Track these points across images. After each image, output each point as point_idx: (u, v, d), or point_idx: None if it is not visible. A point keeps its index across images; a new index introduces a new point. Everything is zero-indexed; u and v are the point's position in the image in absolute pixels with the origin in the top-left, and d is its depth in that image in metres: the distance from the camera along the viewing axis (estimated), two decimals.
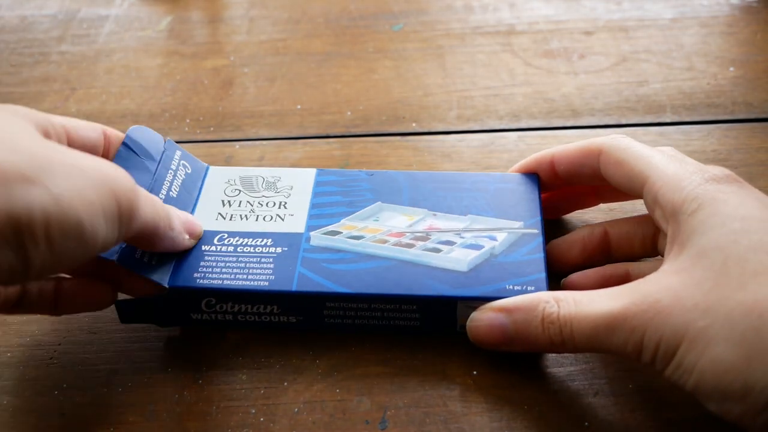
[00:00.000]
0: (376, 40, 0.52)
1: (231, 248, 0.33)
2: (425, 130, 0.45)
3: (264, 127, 0.45)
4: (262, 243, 0.33)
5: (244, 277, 0.32)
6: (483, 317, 0.30)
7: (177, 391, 0.31)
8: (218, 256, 0.33)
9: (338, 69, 0.50)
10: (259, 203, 0.35)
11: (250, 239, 0.34)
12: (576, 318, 0.28)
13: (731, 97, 0.46)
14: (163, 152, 0.35)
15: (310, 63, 0.50)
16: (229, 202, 0.35)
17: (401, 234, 0.34)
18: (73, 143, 0.30)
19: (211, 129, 0.45)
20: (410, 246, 0.33)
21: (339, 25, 0.54)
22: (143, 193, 0.28)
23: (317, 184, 0.36)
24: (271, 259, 0.33)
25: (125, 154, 0.33)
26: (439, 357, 0.32)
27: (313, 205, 0.35)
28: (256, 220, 0.34)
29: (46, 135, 0.28)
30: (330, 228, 0.34)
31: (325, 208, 0.35)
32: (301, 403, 0.31)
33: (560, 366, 0.32)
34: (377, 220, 0.34)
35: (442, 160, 0.42)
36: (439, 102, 0.47)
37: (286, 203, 0.35)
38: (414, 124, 0.45)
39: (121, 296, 0.33)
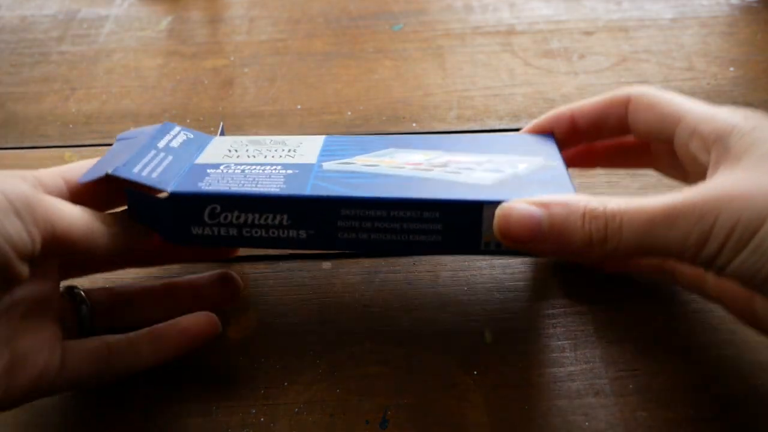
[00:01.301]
0: (376, 40, 0.52)
1: (239, 170, 0.31)
2: (425, 130, 0.45)
3: (264, 127, 0.45)
4: (272, 167, 0.31)
5: (253, 185, 0.29)
6: (516, 206, 0.27)
7: (177, 391, 0.31)
8: (223, 172, 0.31)
9: (338, 69, 0.50)
10: (267, 150, 0.33)
11: (259, 166, 0.31)
12: (627, 212, 0.26)
13: (731, 97, 0.46)
14: (160, 128, 0.33)
15: (310, 63, 0.50)
16: (236, 150, 0.33)
17: (419, 164, 0.31)
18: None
19: (212, 129, 0.45)
20: (429, 170, 0.31)
21: (339, 25, 0.54)
22: (50, 198, 0.26)
23: (326, 142, 0.34)
24: (281, 175, 0.30)
25: (116, 147, 0.32)
26: (440, 357, 0.32)
27: (324, 152, 0.33)
28: (264, 157, 0.32)
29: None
30: (344, 161, 0.32)
31: (336, 153, 0.33)
32: (301, 403, 0.31)
33: (560, 366, 0.32)
34: (393, 157, 0.32)
35: None
36: (439, 102, 0.47)
37: (295, 150, 0.33)
38: (414, 124, 0.45)
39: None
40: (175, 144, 0.33)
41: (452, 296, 0.35)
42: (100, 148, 0.44)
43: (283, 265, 0.36)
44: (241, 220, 0.29)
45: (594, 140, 0.35)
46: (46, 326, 0.28)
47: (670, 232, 0.25)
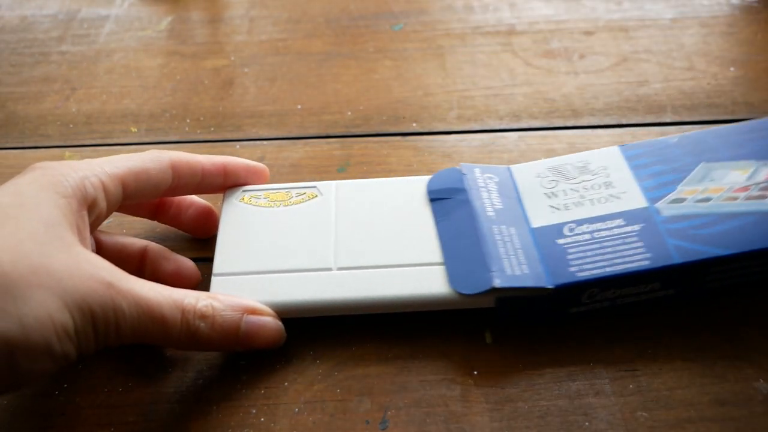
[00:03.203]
0: (376, 40, 0.52)
1: (587, 236, 0.32)
2: (425, 130, 0.45)
3: (264, 127, 0.45)
4: (615, 224, 0.33)
5: (621, 261, 0.31)
6: None
7: (177, 391, 0.31)
8: (579, 246, 0.32)
9: (338, 69, 0.50)
10: (584, 188, 0.35)
11: (600, 223, 0.33)
12: None
13: (731, 97, 0.46)
14: (464, 177, 0.35)
15: (310, 63, 0.50)
16: (553, 193, 0.35)
17: (746, 188, 0.33)
18: (129, 194, 0.31)
19: (212, 129, 0.45)
20: (763, 197, 0.33)
21: (339, 25, 0.54)
22: (127, 287, 0.27)
23: (627, 158, 0.36)
24: (635, 238, 0.32)
25: (437, 207, 0.34)
26: (440, 357, 0.32)
27: (639, 178, 0.35)
28: (592, 204, 0.34)
29: (82, 203, 0.29)
30: (672, 196, 0.33)
31: (652, 179, 0.34)
32: (301, 403, 0.31)
33: (561, 365, 0.32)
34: (713, 180, 0.34)
35: (442, 160, 0.42)
36: (440, 102, 0.47)
37: (610, 183, 0.35)
38: (414, 124, 0.45)
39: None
40: (498, 204, 0.34)
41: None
42: (101, 148, 0.44)
43: None
44: (616, 294, 0.32)
45: None
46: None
47: None
